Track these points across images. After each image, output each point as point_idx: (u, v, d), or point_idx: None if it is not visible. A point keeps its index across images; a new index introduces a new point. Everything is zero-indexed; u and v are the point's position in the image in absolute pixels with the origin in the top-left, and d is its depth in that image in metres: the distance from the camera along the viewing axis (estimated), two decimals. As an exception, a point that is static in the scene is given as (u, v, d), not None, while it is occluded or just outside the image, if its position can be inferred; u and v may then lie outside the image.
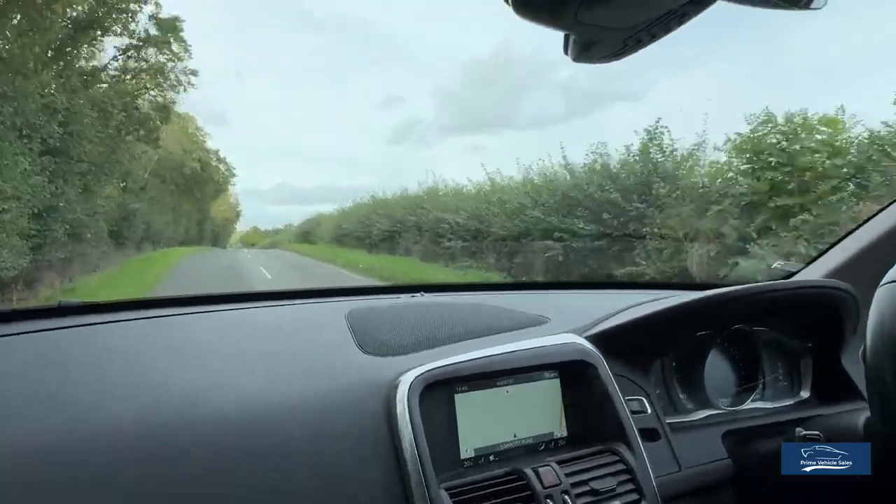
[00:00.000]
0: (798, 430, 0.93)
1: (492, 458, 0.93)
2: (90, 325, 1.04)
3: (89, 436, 0.73)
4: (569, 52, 0.63)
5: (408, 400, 0.85)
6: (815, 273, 1.41)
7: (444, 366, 0.91)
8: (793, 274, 1.48)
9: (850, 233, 1.48)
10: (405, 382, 0.87)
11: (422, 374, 0.88)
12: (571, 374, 1.01)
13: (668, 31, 0.53)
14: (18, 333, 0.97)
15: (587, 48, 0.61)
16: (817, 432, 0.89)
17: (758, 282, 1.18)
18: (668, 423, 1.07)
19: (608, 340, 1.07)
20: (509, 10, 0.46)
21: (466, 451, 0.92)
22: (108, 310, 1.12)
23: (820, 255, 1.50)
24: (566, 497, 0.85)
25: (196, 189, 32.80)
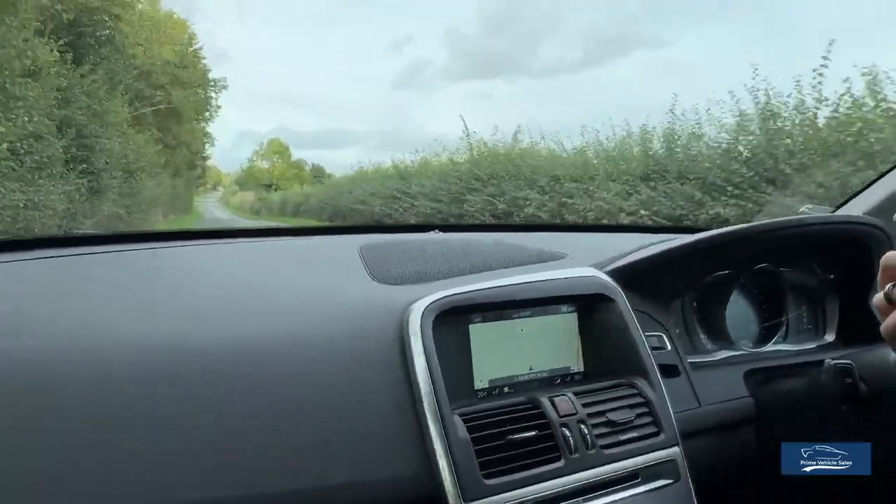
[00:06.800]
0: (827, 360, 0.90)
1: (506, 389, 0.91)
2: (94, 254, 1.03)
3: (84, 354, 0.72)
4: None
5: (421, 326, 0.82)
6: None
7: (458, 293, 0.88)
8: (822, 216, 1.43)
9: (880, 176, 1.43)
10: (418, 309, 0.84)
11: (436, 300, 0.86)
12: (589, 308, 0.98)
13: None
14: (24, 260, 0.97)
15: None
16: (849, 362, 0.86)
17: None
18: (689, 362, 1.04)
19: (628, 276, 1.03)
20: None
21: (481, 382, 0.90)
22: (113, 241, 1.12)
23: (849, 199, 1.45)
24: (582, 426, 0.83)
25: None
